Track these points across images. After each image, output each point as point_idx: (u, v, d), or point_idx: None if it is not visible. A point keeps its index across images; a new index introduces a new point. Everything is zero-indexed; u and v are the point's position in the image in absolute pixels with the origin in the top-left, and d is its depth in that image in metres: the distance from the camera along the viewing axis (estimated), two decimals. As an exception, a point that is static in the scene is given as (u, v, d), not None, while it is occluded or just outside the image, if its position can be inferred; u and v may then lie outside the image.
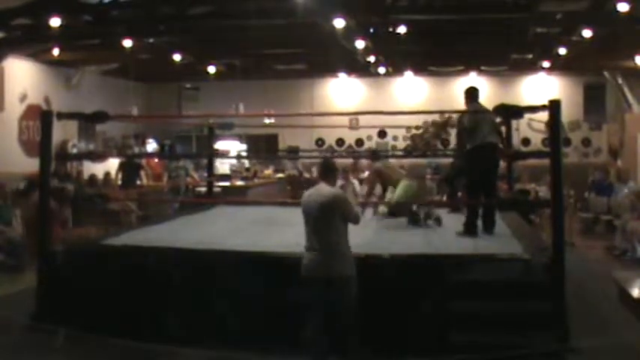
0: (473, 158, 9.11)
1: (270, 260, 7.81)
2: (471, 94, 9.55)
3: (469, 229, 8.99)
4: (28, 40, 15.24)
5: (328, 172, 7.04)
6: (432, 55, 19.06)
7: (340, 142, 23.00)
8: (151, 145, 22.02)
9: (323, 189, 6.85)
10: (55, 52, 16.45)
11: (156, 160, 19.97)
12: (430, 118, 19.06)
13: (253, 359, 7.18)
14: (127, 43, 14.90)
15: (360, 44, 15.63)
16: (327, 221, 6.67)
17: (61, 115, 8.98)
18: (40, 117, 8.90)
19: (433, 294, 7.20)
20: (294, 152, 22.67)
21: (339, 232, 6.70)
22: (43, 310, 8.13)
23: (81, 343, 7.47)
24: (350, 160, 17.67)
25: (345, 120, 19.93)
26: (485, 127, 9.06)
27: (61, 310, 7.90)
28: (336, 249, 6.63)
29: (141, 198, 16.44)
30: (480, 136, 8.97)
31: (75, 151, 18.40)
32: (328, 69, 21.76)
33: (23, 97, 17.43)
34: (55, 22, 12.69)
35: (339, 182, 15.63)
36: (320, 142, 23.16)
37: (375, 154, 13.40)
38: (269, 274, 7.56)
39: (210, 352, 7.24)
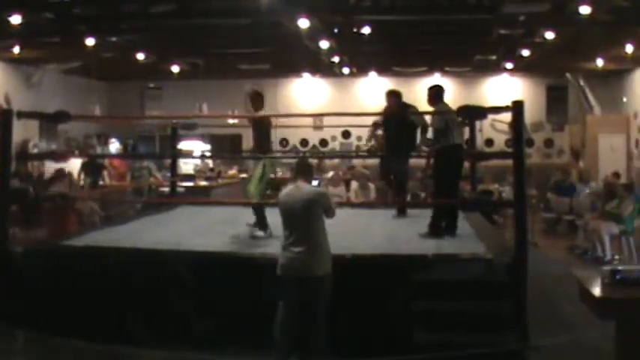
0: (445, 159, 9.02)
1: (233, 261, 7.78)
2: (437, 92, 9.38)
3: (434, 231, 8.95)
4: (-12, 38, 15.06)
5: (306, 170, 7.14)
6: (396, 56, 19.13)
7: (304, 142, 23.01)
8: (114, 145, 21.83)
9: (303, 187, 6.92)
10: (16, 49, 16.26)
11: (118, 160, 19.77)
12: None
13: (215, 360, 7.16)
14: (90, 41, 14.77)
15: (324, 44, 15.65)
16: (310, 218, 6.76)
17: (21, 115, 8.88)
18: (0, 116, 8.77)
19: (396, 294, 7.21)
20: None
21: (321, 228, 6.82)
22: (2, 312, 8.00)
23: (41, 345, 7.39)
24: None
25: (309, 120, 19.93)
26: (455, 128, 9.04)
27: (21, 311, 7.79)
28: (317, 246, 6.72)
29: (103, 198, 16.27)
30: (451, 137, 8.93)
31: (36, 150, 18.18)
32: (292, 69, 21.76)
33: (-18, 96, 17.22)
34: (15, 19, 12.54)
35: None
36: (284, 142, 23.12)
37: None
38: (231, 274, 7.52)
39: (172, 354, 7.19)
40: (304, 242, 6.67)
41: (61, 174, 15.23)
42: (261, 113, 9.92)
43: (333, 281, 6.71)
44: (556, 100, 22.40)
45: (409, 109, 10.89)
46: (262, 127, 9.82)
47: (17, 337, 7.42)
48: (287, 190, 7.06)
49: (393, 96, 11.15)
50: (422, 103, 9.70)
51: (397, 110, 10.91)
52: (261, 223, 9.21)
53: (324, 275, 6.66)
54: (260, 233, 9.09)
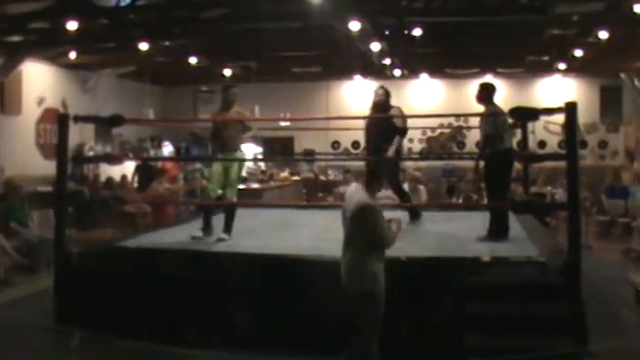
0: (497, 165, 8.95)
1: (285, 263, 7.82)
2: (488, 91, 9.19)
3: (495, 235, 8.90)
4: (46, 44, 15.35)
5: (367, 177, 6.55)
6: (448, 57, 19.07)
7: (356, 144, 22.96)
8: (167, 148, 22.12)
9: (358, 195, 6.43)
10: (72, 55, 16.54)
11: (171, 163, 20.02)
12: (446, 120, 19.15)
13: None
14: (143, 46, 14.96)
15: (375, 46, 15.62)
16: (353, 231, 6.32)
17: (78, 119, 9.01)
18: (57, 120, 8.94)
19: (449, 297, 7.19)
20: (309, 155, 22.66)
21: (363, 244, 6.25)
22: (60, 311, 8.17)
23: (97, 344, 7.51)
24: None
25: (361, 122, 19.92)
26: (505, 131, 8.96)
27: (78, 311, 7.94)
28: (356, 262, 6.24)
29: (156, 200, 16.47)
30: (501, 142, 8.85)
31: (92, 153, 18.50)
32: (344, 71, 21.77)
33: (41, 101, 17.54)
34: (71, 25, 12.75)
35: (354, 184, 15.51)
36: (336, 144, 23.16)
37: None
38: (283, 276, 7.58)
39: (225, 355, 7.25)
40: (347, 253, 6.34)
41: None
42: (234, 111, 9.57)
43: (379, 305, 6.21)
44: (610, 100, 22.01)
45: (392, 109, 10.48)
46: (233, 126, 9.50)
47: (74, 335, 7.54)
48: (349, 191, 6.80)
49: (380, 92, 10.55)
50: (473, 105, 9.59)
51: (379, 108, 10.46)
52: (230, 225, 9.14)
53: (360, 292, 6.18)
54: (226, 236, 8.99)
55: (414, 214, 10.51)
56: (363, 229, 6.22)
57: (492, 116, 8.88)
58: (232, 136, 9.44)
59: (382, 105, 10.44)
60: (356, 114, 21.13)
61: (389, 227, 6.38)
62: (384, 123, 10.30)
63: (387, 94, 10.49)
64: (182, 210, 16.70)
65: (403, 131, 10.36)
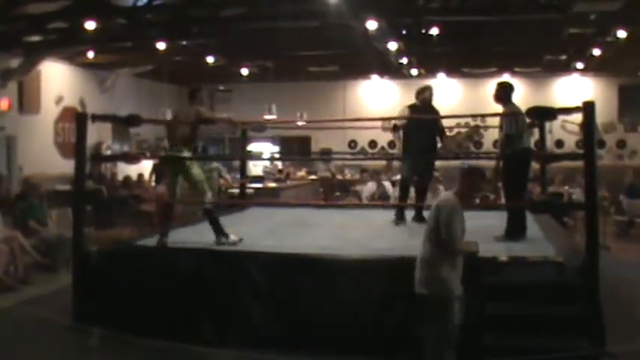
0: (516, 164, 8.89)
1: (304, 262, 7.82)
2: (506, 90, 9.12)
3: (512, 234, 8.85)
4: (64, 44, 15.43)
5: (459, 178, 6.39)
6: (465, 57, 19.01)
7: (373, 144, 22.97)
8: (184, 147, 22.15)
9: (441, 194, 6.45)
10: (90, 55, 16.65)
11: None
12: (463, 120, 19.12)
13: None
14: (161, 45, 15.02)
15: (392, 46, 15.62)
16: (428, 229, 6.22)
17: (96, 118, 9.06)
18: (75, 119, 8.99)
19: (466, 296, 7.16)
20: (326, 154, 22.68)
21: (435, 248, 6.16)
22: (78, 310, 8.22)
23: (115, 343, 7.54)
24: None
25: (378, 122, 19.93)
26: (525, 130, 8.92)
27: (97, 309, 7.98)
28: (426, 262, 6.18)
29: (174, 199, 16.50)
30: (521, 141, 8.82)
31: (109, 152, 18.59)
32: (361, 71, 21.79)
33: (59, 100, 17.66)
34: (89, 25, 12.83)
35: (370, 184, 15.49)
36: (353, 143, 23.16)
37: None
38: (301, 275, 7.59)
39: (242, 354, 7.26)
40: (420, 252, 6.28)
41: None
42: (202, 109, 9.25)
43: (448, 311, 6.14)
44: (628, 100, 21.89)
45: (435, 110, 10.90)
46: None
47: (93, 334, 7.58)
48: None
49: (428, 93, 10.84)
50: (491, 105, 9.55)
51: (428, 109, 10.77)
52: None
53: (427, 295, 6.13)
54: (233, 238, 8.69)
55: (421, 216, 10.52)
56: (435, 225, 6.11)
57: (513, 116, 8.85)
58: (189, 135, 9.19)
59: (430, 104, 10.80)
60: (373, 113, 21.21)
61: (467, 243, 6.36)
62: (432, 123, 10.64)
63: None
64: (197, 209, 16.71)
65: (442, 131, 10.88)
